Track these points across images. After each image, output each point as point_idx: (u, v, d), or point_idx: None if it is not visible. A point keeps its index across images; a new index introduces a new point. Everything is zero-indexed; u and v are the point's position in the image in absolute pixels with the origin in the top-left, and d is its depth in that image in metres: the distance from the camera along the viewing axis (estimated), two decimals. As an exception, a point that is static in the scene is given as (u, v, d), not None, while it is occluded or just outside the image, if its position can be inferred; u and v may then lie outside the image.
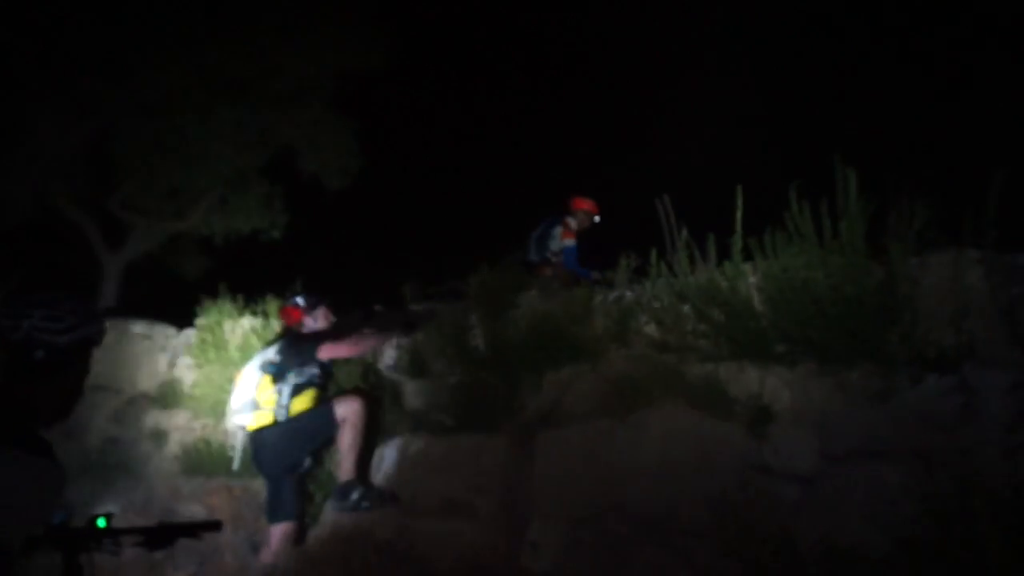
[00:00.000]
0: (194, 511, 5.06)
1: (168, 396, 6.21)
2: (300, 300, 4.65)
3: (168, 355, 6.71)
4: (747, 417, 3.21)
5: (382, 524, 4.05)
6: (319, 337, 4.45)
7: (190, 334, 6.60)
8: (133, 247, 8.79)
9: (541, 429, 3.88)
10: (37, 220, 8.30)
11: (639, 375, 3.62)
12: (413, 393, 4.66)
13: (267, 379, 4.30)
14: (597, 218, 6.78)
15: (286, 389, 4.27)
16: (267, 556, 4.08)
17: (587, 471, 3.60)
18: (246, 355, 5.74)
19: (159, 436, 5.93)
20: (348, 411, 4.20)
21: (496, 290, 4.41)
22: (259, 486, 5.07)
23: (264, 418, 4.25)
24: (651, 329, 3.84)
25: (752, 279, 3.43)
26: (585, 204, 6.78)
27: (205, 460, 5.28)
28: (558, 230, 6.50)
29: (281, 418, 4.23)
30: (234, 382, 5.73)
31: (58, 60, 7.78)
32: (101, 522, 2.04)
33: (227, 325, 6.14)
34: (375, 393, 4.65)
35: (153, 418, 6.09)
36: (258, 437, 4.28)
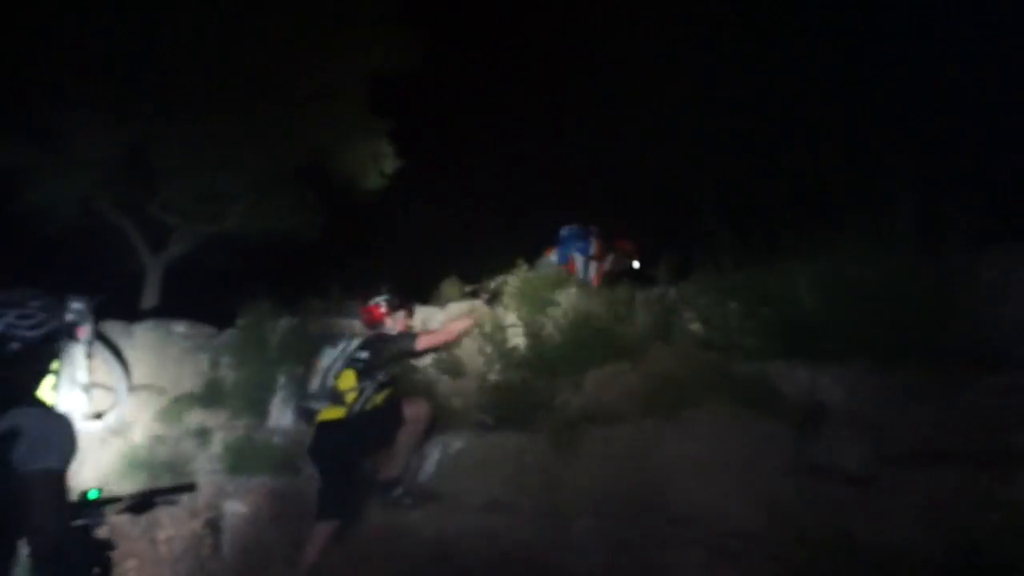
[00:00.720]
0: (238, 509, 5.13)
1: (210, 395, 6.31)
2: (384, 301, 4.65)
3: (209, 355, 6.82)
4: (798, 417, 3.15)
5: (425, 523, 4.06)
6: (407, 333, 4.48)
7: (231, 334, 6.70)
8: (173, 249, 8.95)
9: (584, 428, 3.85)
10: (81, 224, 8.48)
11: (684, 373, 3.58)
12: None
13: (351, 374, 4.29)
14: (636, 264, 6.12)
15: (371, 386, 4.28)
16: (311, 554, 4.11)
17: (632, 470, 3.56)
18: (287, 354, 5.82)
19: (203, 434, 6.02)
20: (416, 413, 4.21)
21: (535, 288, 4.39)
22: (302, 484, 5.12)
23: (337, 412, 4.26)
24: (696, 327, 3.79)
25: (802, 276, 3.36)
26: (628, 246, 6.21)
27: (248, 458, 5.33)
28: (593, 244, 5.99)
29: (354, 414, 4.23)
30: (275, 380, 5.84)
31: (98, 68, 7.94)
32: (93, 494, 2.28)
33: (267, 325, 6.22)
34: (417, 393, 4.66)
35: (196, 417, 6.19)
36: (324, 430, 4.28)
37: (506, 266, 4.91)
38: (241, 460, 5.39)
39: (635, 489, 3.53)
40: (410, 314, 4.72)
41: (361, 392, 4.24)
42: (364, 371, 4.28)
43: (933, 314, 2.94)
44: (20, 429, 1.90)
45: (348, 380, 4.25)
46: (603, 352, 4.00)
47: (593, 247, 5.93)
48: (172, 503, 2.53)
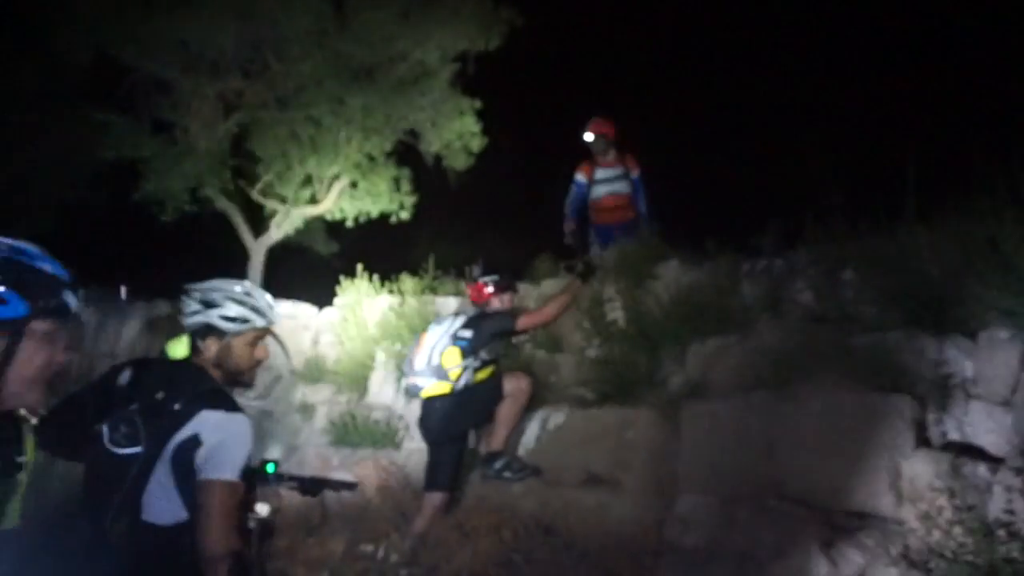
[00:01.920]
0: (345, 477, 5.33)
1: (313, 372, 6.55)
2: (491, 281, 4.67)
3: (311, 333, 7.08)
4: (922, 390, 2.96)
5: (527, 496, 4.09)
6: (512, 311, 4.50)
7: (331, 313, 6.93)
8: (274, 232, 9.31)
9: (687, 403, 3.76)
10: (191, 212, 8.94)
11: (795, 346, 3.43)
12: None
13: (456, 351, 4.34)
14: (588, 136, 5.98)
15: (475, 364, 4.33)
16: (420, 524, 4.21)
17: (740, 446, 3.45)
18: (385, 332, 5.96)
19: (307, 409, 6.27)
20: (516, 387, 4.26)
21: (634, 261, 4.30)
22: (404, 458, 5.26)
23: (443, 388, 4.34)
24: (806, 298, 3.62)
25: (925, 240, 3.14)
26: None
27: (351, 432, 5.52)
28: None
29: (458, 389, 4.30)
30: (374, 357, 5.98)
31: (205, 62, 8.33)
32: (270, 467, 2.42)
33: (365, 304, 6.38)
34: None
35: (300, 392, 6.45)
36: (430, 404, 4.38)
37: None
38: (344, 434, 5.59)
39: (743, 465, 3.43)
40: (514, 295, 4.72)
41: (464, 369, 4.29)
42: (468, 349, 4.32)
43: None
44: (200, 438, 1.92)
45: (452, 358, 4.30)
46: (707, 326, 3.88)
47: None
48: (337, 491, 2.68)
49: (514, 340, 4.96)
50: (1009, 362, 2.83)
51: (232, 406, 2.02)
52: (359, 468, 5.29)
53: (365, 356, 6.09)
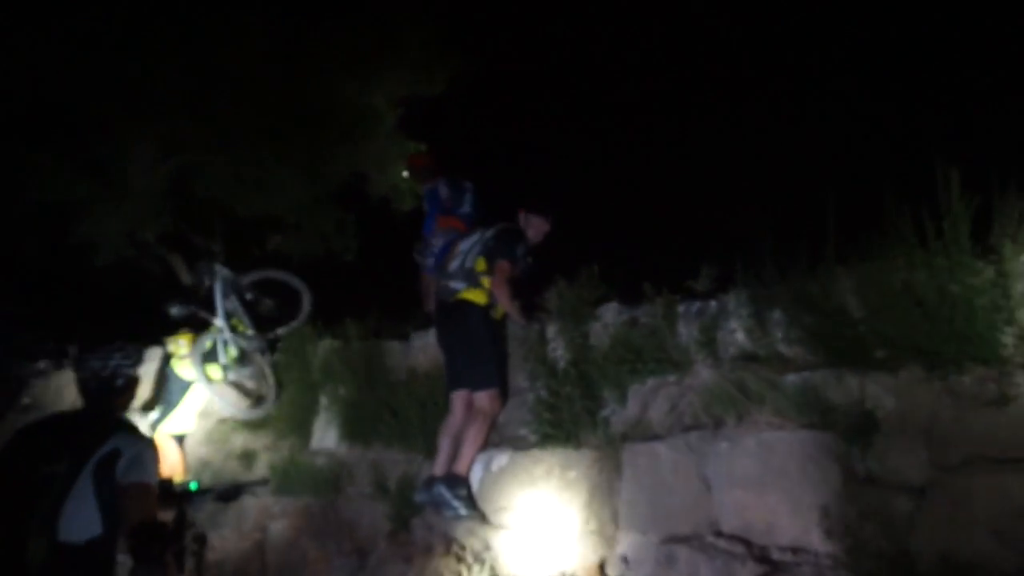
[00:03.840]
0: (283, 527, 5.18)
1: (254, 418, 6.39)
2: (533, 200, 4.78)
3: (251, 379, 6.92)
4: (848, 427, 3.08)
5: (471, 537, 4.05)
6: (512, 252, 4.49)
7: (273, 358, 6.80)
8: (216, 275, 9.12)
9: (628, 443, 3.82)
10: (127, 256, 8.71)
11: (729, 386, 3.52)
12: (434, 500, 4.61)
13: (483, 260, 4.47)
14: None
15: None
16: (451, 423, 4.31)
17: (679, 485, 3.51)
18: (329, 376, 5.88)
19: (248, 456, 6.10)
20: (492, 405, 4.27)
21: (574, 302, 4.37)
22: (343, 504, 5.15)
23: (478, 296, 4.42)
24: (739, 338, 3.74)
25: (846, 283, 3.30)
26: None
27: (292, 479, 5.39)
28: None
29: (493, 303, 4.41)
30: (318, 401, 5.89)
31: (146, 105, 8.21)
32: (193, 485, 3.02)
33: (308, 348, 6.29)
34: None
35: (241, 439, 6.28)
36: (461, 308, 4.42)
37: (544, 280, 4.91)
38: (286, 481, 5.45)
39: (682, 504, 3.48)
40: (545, 227, 4.74)
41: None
42: (489, 259, 4.44)
43: (990, 318, 2.85)
44: (120, 450, 2.36)
45: (482, 264, 4.46)
46: (646, 366, 3.96)
47: None
48: (254, 494, 3.36)
49: None
50: (928, 398, 2.97)
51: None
52: (299, 516, 5.18)
53: (308, 401, 5.99)
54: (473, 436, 4.21)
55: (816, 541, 2.96)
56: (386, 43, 8.88)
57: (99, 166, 8.30)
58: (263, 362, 6.38)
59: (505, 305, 4.46)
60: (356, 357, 5.72)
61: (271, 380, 6.28)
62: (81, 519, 2.22)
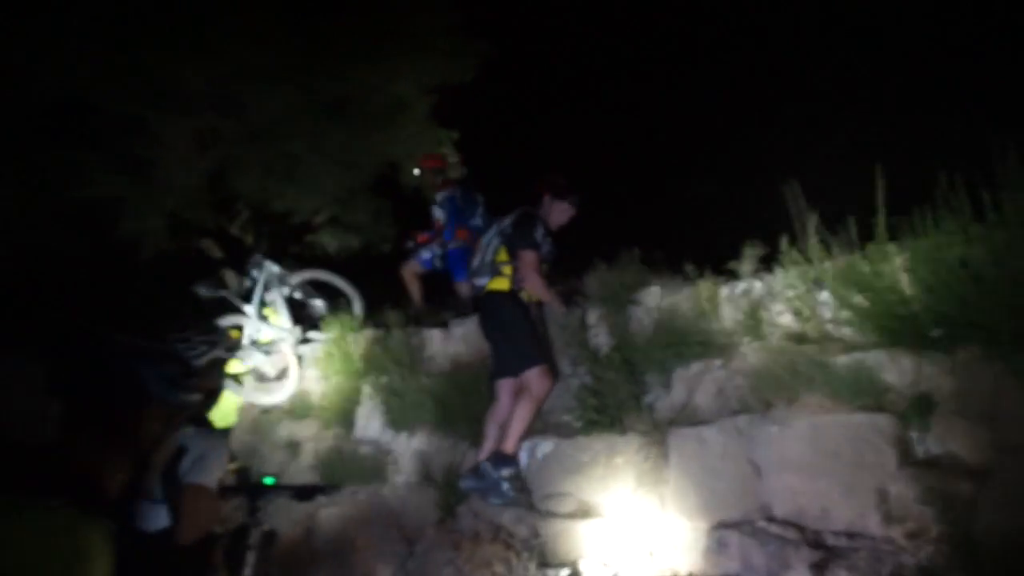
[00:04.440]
0: (330, 515, 5.27)
1: (299, 408, 6.49)
2: (551, 181, 4.72)
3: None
4: (904, 408, 3.01)
5: (519, 525, 4.06)
6: (532, 239, 4.42)
7: (315, 348, 6.89)
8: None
9: (674, 428, 3.79)
10: (169, 251, 8.89)
11: (777, 368, 3.46)
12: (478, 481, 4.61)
13: (504, 249, 4.48)
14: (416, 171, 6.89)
15: (517, 263, 4.43)
16: (499, 411, 4.34)
17: (727, 470, 3.47)
18: (371, 365, 5.94)
19: (293, 446, 6.20)
20: (540, 383, 4.22)
21: (615, 287, 4.34)
22: (391, 492, 5.21)
23: (502, 283, 4.44)
24: (786, 319, 3.67)
25: (898, 261, 3.20)
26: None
27: (338, 468, 5.46)
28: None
29: (517, 287, 4.42)
30: (360, 391, 5.96)
31: (182, 101, 8.33)
32: (269, 480, 3.05)
33: (350, 338, 6.36)
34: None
35: (287, 429, 6.38)
36: (490, 299, 4.46)
37: (585, 265, 4.88)
38: (331, 470, 5.53)
39: (731, 489, 3.45)
40: (571, 210, 4.67)
41: (516, 268, 4.42)
42: (509, 247, 4.44)
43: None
44: (185, 447, 2.36)
45: (503, 254, 4.46)
46: (689, 350, 3.92)
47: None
48: (327, 495, 3.38)
49: None
50: (987, 378, 2.88)
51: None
52: (347, 504, 5.24)
53: (351, 390, 6.05)
54: (521, 414, 4.20)
55: (873, 525, 2.90)
56: (413, 30, 8.85)
57: (138, 163, 8.47)
58: (290, 354, 6.50)
59: (541, 294, 4.46)
60: (397, 346, 5.76)
61: (294, 372, 6.41)
62: (151, 510, 2.27)
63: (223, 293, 6.48)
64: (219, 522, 2.50)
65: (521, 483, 4.19)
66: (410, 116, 9.00)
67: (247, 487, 3.01)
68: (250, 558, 2.74)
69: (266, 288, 6.66)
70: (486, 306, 4.53)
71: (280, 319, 6.70)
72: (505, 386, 4.35)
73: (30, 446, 1.46)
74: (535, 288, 4.43)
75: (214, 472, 2.41)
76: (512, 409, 4.26)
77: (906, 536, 2.76)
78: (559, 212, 4.63)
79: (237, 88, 8.39)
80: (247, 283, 6.78)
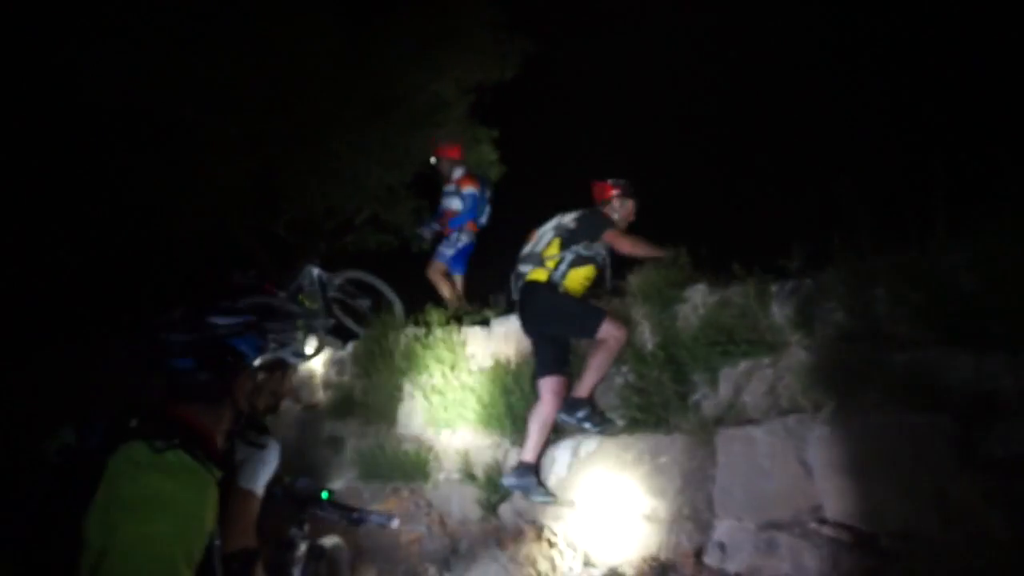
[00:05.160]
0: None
1: (341, 405, 6.56)
2: (619, 182, 4.82)
3: (337, 366, 7.11)
4: (963, 408, 2.90)
5: (562, 523, 4.04)
6: (608, 222, 4.59)
7: (357, 345, 6.96)
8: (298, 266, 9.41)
9: (721, 427, 3.72)
10: (216, 249, 9.09)
11: (828, 367, 3.38)
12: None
13: (557, 241, 4.52)
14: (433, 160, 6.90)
15: (569, 257, 4.47)
16: (541, 410, 4.31)
17: (777, 470, 3.40)
18: (412, 363, 5.97)
19: (335, 443, 6.27)
20: (613, 334, 4.19)
21: (661, 285, 4.28)
22: (433, 490, 5.23)
23: (540, 274, 4.47)
24: (838, 317, 3.57)
25: (959, 257, 3.10)
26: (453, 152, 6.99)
27: (381, 465, 5.50)
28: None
29: (555, 280, 4.43)
30: (401, 388, 6.00)
31: (229, 104, 8.52)
32: (325, 495, 2.83)
33: (391, 336, 6.40)
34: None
35: (329, 426, 6.46)
36: (529, 289, 4.50)
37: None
38: (374, 467, 5.58)
39: (781, 489, 3.37)
40: (634, 205, 4.80)
41: (561, 260, 4.44)
42: (567, 240, 4.46)
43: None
44: (234, 448, 2.22)
45: (553, 248, 4.50)
46: (737, 348, 3.84)
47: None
48: (381, 525, 3.00)
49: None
50: (1051, 376, 2.77)
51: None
52: (389, 501, 5.28)
53: (392, 388, 6.09)
54: (598, 363, 4.18)
55: (931, 528, 2.81)
56: (453, 29, 8.91)
57: (187, 164, 8.69)
58: (321, 334, 6.78)
59: (646, 251, 4.45)
60: (438, 343, 5.78)
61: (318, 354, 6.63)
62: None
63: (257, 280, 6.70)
64: (258, 532, 2.43)
65: (602, 415, 4.23)
66: (450, 114, 9.06)
67: (298, 498, 2.86)
68: (296, 573, 2.67)
69: (307, 291, 6.89)
70: (526, 297, 4.54)
71: (313, 303, 6.95)
72: (547, 384, 4.33)
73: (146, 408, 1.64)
74: (638, 249, 4.43)
75: (261, 479, 2.35)
76: (591, 355, 4.23)
77: (967, 539, 2.67)
78: (627, 211, 4.75)
79: (286, 90, 8.56)
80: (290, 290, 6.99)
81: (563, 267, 4.45)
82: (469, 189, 6.85)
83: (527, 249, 4.66)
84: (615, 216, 4.74)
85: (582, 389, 4.21)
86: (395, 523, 3.01)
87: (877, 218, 3.44)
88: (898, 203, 3.34)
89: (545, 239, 4.59)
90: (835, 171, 3.57)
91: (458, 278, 7.04)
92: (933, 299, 3.12)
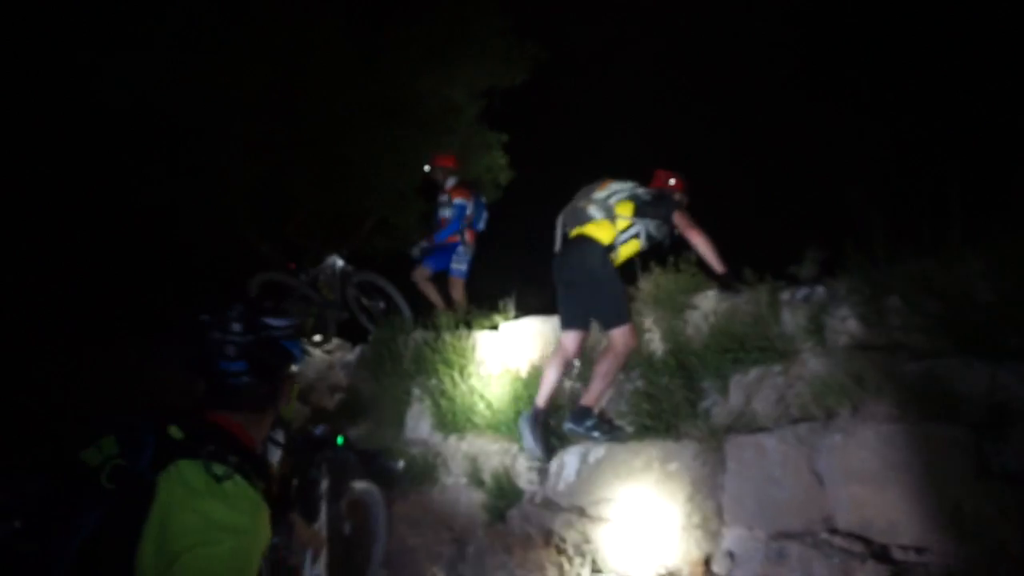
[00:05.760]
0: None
1: (349, 408, 6.56)
2: (681, 178, 4.85)
3: (346, 370, 7.12)
4: (979, 419, 2.87)
5: (571, 530, 4.02)
6: (673, 207, 4.48)
7: (365, 349, 6.97)
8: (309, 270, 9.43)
9: (731, 435, 3.69)
10: (227, 252, 9.11)
11: (841, 375, 3.35)
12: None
13: (631, 205, 4.39)
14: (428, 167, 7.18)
15: (639, 229, 4.38)
16: (558, 357, 4.34)
17: (788, 479, 3.37)
18: (420, 367, 5.97)
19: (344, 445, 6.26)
20: (626, 340, 4.12)
21: (671, 291, 4.26)
22: (441, 494, 5.21)
23: (605, 231, 4.30)
24: (850, 326, 3.55)
25: (974, 266, 3.07)
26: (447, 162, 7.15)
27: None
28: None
29: (616, 244, 4.30)
30: (410, 392, 5.99)
31: (239, 108, 8.55)
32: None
33: (399, 339, 6.40)
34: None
35: (338, 430, 6.45)
36: (586, 243, 4.29)
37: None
38: (382, 470, 5.56)
39: (792, 499, 3.34)
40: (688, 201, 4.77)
41: (631, 227, 4.34)
42: (640, 209, 4.36)
43: None
44: None
45: (626, 208, 4.36)
46: (748, 356, 3.82)
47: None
48: (390, 471, 3.71)
49: None
50: (1068, 388, 2.74)
51: None
52: (398, 504, 5.27)
53: (401, 392, 6.09)
54: (605, 371, 4.12)
55: (945, 541, 2.77)
56: (463, 35, 8.92)
57: (197, 168, 8.73)
58: (332, 325, 7.18)
59: (711, 253, 4.32)
60: (447, 348, 5.77)
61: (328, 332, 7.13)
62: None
63: (278, 277, 7.02)
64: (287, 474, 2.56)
65: (610, 423, 4.20)
66: (461, 119, 9.06)
67: (316, 443, 3.12)
68: (323, 507, 2.82)
69: (326, 280, 7.21)
70: (579, 247, 4.33)
71: (329, 293, 7.25)
72: (571, 337, 4.30)
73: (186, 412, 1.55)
74: (707, 245, 4.30)
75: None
76: (598, 363, 4.19)
77: (983, 553, 2.63)
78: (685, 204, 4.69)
79: (298, 94, 8.59)
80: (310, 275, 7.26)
81: (628, 235, 4.34)
82: (459, 200, 6.95)
83: (599, 194, 4.43)
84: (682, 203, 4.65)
85: (589, 398, 4.18)
86: (400, 465, 3.26)
87: (891, 226, 3.42)
88: (913, 211, 3.32)
89: (619, 195, 4.42)
90: (848, 178, 3.54)
91: (458, 282, 7.11)
92: (948, 308, 3.09)
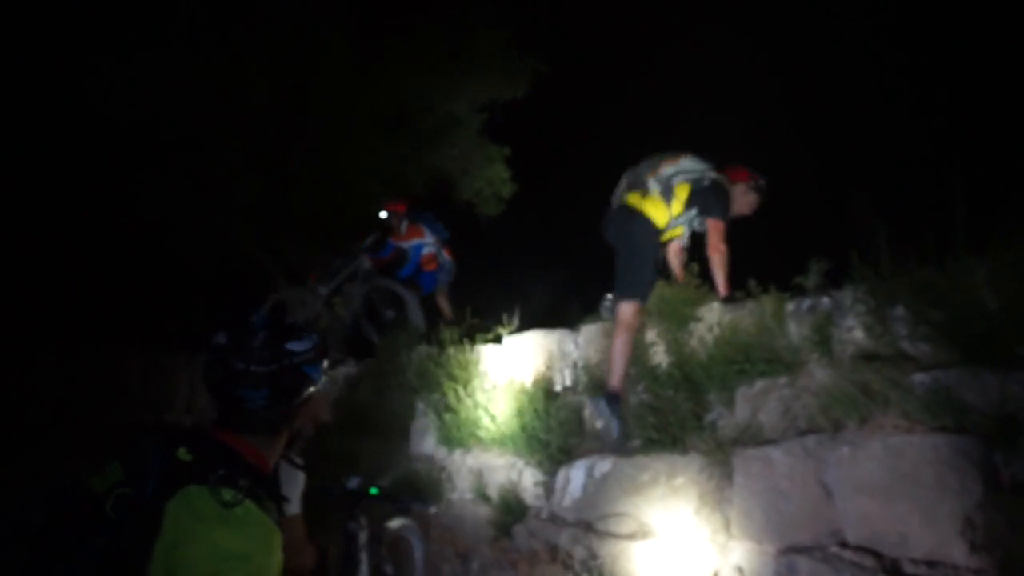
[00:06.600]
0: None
1: (352, 423, 6.53)
2: (757, 175, 4.76)
3: (349, 384, 7.09)
4: (988, 430, 2.84)
5: (576, 546, 3.98)
6: (725, 211, 4.39)
7: (369, 363, 6.94)
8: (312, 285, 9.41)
9: (738, 448, 3.66)
10: (228, 268, 9.09)
11: (848, 386, 3.32)
12: (594, 414, 4.56)
13: (688, 188, 4.32)
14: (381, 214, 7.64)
15: (688, 219, 4.35)
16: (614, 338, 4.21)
17: (796, 492, 3.34)
18: (424, 381, 5.94)
19: (348, 459, 6.22)
20: (628, 318, 4.12)
21: (675, 303, 4.24)
22: (446, 509, 5.17)
23: (659, 212, 4.26)
24: (856, 336, 3.52)
25: (980, 274, 3.05)
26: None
27: (400, 486, 5.45)
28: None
29: (663, 229, 4.28)
30: (414, 406, 5.96)
31: (239, 121, 8.55)
32: (374, 491, 3.27)
33: (403, 353, 6.38)
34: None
35: (341, 442, 6.42)
36: (637, 216, 4.26)
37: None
38: (394, 487, 5.52)
39: (801, 512, 3.30)
40: (759, 199, 4.68)
41: (682, 215, 4.30)
42: (693, 197, 4.29)
43: None
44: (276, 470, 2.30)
45: (683, 191, 4.30)
46: (754, 367, 3.79)
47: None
48: (420, 509, 3.76)
49: None
50: (1079, 397, 2.71)
51: None
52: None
53: (405, 406, 6.06)
54: (619, 350, 4.12)
55: (957, 554, 2.74)
56: (465, 47, 8.94)
57: (197, 180, 8.72)
58: (336, 340, 7.28)
59: (722, 269, 4.30)
60: (451, 361, 5.75)
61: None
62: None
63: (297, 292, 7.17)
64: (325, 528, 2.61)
65: (623, 423, 4.18)
66: (462, 132, 9.07)
67: (351, 496, 3.18)
68: (363, 558, 2.98)
69: (349, 279, 7.30)
70: (630, 218, 4.28)
71: (341, 308, 7.32)
72: (626, 305, 4.23)
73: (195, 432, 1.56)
74: (721, 260, 4.27)
75: (297, 499, 2.38)
76: (611, 345, 4.18)
77: (996, 567, 2.59)
78: (743, 204, 4.60)
79: (299, 108, 8.60)
80: (334, 268, 7.53)
81: (679, 221, 4.32)
82: (412, 242, 7.58)
83: (667, 169, 4.32)
84: (734, 202, 4.53)
85: (615, 379, 4.15)
86: (432, 509, 3.57)
87: (896, 235, 3.40)
88: (917, 219, 3.29)
89: (683, 177, 4.32)
90: (853, 186, 3.53)
91: (441, 290, 7.41)
92: (954, 318, 3.06)
